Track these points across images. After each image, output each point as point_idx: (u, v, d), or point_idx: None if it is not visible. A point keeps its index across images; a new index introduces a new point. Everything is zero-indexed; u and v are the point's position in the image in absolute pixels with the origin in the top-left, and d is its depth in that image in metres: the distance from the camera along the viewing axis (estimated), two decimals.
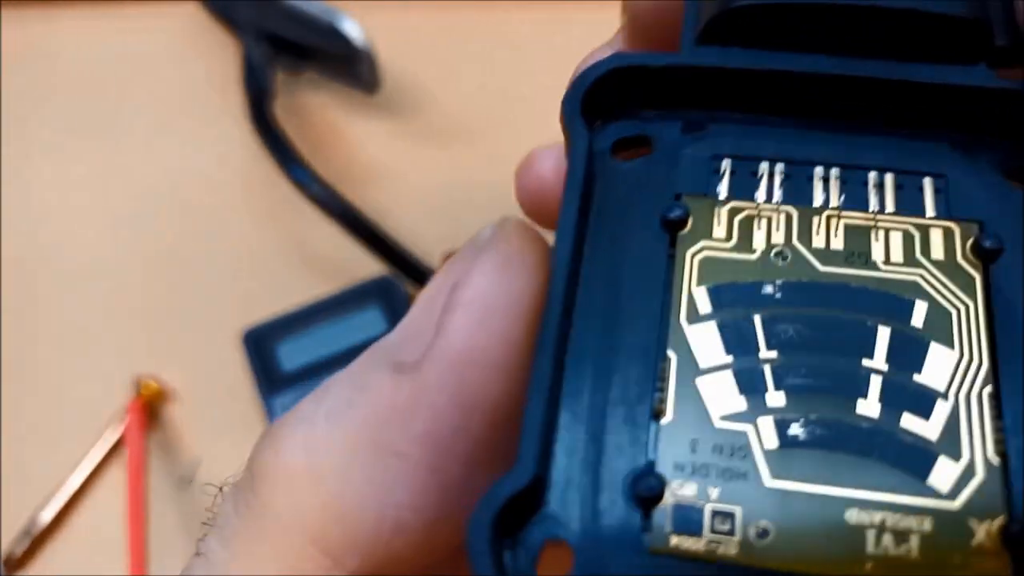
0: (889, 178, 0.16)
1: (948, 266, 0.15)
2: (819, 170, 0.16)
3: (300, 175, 0.38)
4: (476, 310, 0.14)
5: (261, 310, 0.37)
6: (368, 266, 0.37)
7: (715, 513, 0.13)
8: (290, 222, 0.40)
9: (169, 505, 0.35)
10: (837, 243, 0.16)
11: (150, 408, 0.36)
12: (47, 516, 0.34)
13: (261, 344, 0.36)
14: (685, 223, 0.16)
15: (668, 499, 0.14)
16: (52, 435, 0.36)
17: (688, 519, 0.13)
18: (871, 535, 0.13)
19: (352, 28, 0.40)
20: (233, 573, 0.15)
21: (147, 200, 0.41)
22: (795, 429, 0.14)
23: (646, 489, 0.13)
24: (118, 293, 0.39)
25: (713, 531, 0.13)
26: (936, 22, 0.16)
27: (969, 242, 0.16)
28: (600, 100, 0.16)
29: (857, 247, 0.16)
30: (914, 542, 0.13)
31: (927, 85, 0.16)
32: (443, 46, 0.44)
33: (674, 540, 0.13)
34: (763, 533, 0.13)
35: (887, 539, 0.13)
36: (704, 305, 0.15)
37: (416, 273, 0.37)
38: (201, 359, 0.37)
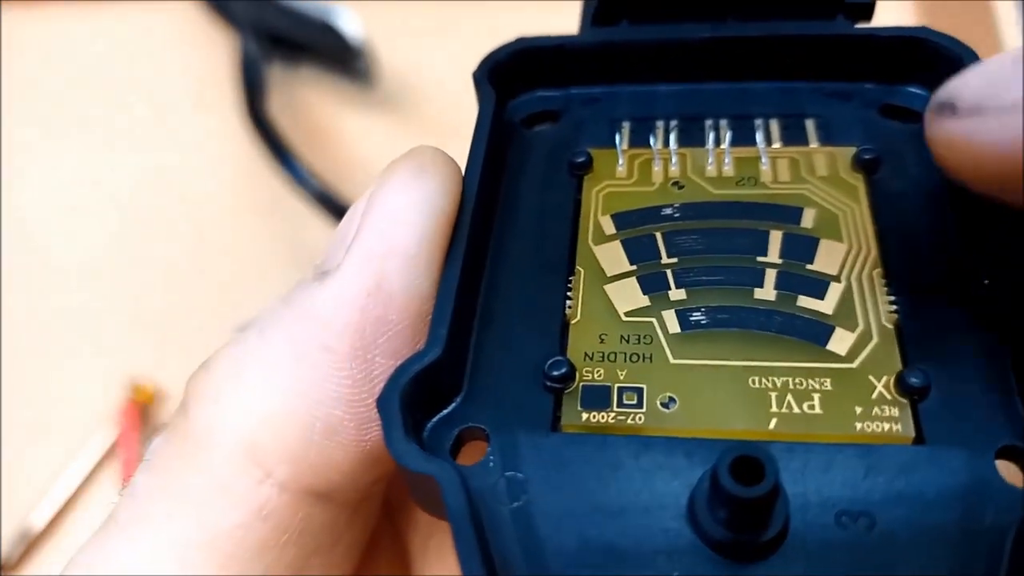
0: (774, 122, 0.18)
1: (832, 179, 0.17)
2: (710, 122, 0.18)
3: (296, 171, 0.37)
4: (390, 209, 0.15)
5: (255, 309, 0.36)
6: None
7: (622, 390, 0.14)
8: (285, 219, 0.39)
9: None
10: (728, 172, 0.17)
11: (144, 411, 0.35)
12: (42, 520, 0.34)
13: None
14: (589, 167, 0.18)
15: (578, 382, 0.15)
16: (45, 438, 0.35)
17: (597, 397, 0.14)
18: (774, 396, 0.14)
19: (348, 23, 0.40)
20: (158, 502, 0.14)
21: (139, 198, 0.41)
22: (696, 316, 0.15)
23: (556, 374, 0.14)
24: (109, 293, 0.38)
25: (621, 405, 0.14)
26: None
27: (850, 158, 0.17)
28: (512, 77, 0.18)
29: (747, 173, 0.17)
30: (816, 399, 0.14)
31: (793, 37, 0.18)
32: (440, 41, 0.44)
33: (584, 416, 0.14)
34: (668, 403, 0.14)
35: (790, 398, 0.14)
36: (609, 228, 0.17)
37: None
38: (195, 360, 0.36)
